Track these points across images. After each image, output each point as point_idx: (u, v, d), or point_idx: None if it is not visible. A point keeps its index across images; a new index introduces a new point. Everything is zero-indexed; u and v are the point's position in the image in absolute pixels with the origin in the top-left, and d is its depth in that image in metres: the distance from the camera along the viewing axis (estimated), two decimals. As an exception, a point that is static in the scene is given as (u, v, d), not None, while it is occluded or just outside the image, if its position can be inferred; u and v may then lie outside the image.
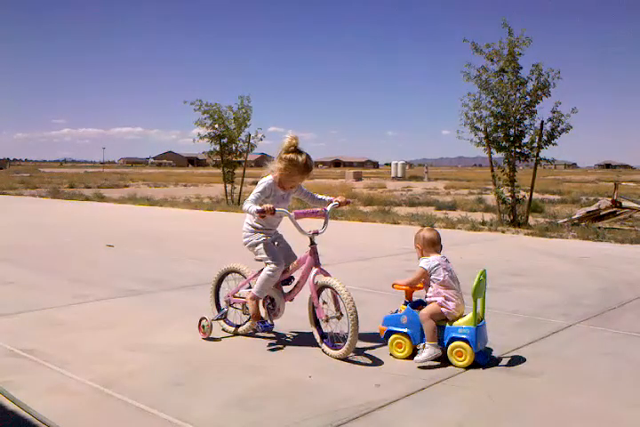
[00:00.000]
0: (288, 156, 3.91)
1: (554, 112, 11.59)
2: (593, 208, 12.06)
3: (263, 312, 4.09)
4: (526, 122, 11.74)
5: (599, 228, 10.82)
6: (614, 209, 11.76)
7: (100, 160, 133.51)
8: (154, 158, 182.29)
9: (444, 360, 3.63)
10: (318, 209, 4.11)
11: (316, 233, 3.94)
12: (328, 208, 4.10)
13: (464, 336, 3.57)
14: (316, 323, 3.88)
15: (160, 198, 18.95)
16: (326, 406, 2.98)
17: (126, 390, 3.17)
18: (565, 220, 11.98)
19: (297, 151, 3.92)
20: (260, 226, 4.05)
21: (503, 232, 10.90)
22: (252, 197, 3.92)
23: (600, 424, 2.86)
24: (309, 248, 3.91)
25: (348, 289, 3.66)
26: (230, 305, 4.27)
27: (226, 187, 17.40)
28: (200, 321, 4.16)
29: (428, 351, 3.60)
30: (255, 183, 4.25)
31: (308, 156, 3.94)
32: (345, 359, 3.67)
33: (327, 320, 3.76)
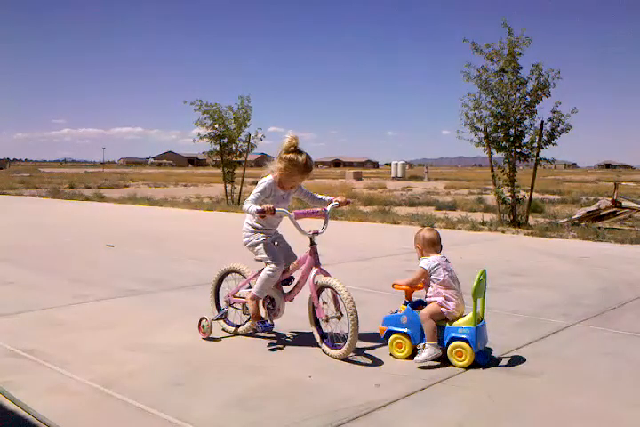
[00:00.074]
0: (288, 156, 3.91)
1: (554, 112, 11.59)
2: (593, 208, 12.06)
3: (263, 312, 4.09)
4: (526, 122, 11.76)
5: (599, 228, 10.82)
6: (614, 209, 11.77)
7: (100, 160, 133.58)
8: (154, 158, 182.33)
9: (444, 360, 3.63)
10: (318, 209, 4.11)
11: (316, 233, 3.94)
12: (328, 208, 4.10)
13: (464, 336, 3.57)
14: (316, 323, 3.88)
15: (160, 198, 18.95)
16: (326, 406, 2.98)
17: (126, 390, 3.17)
18: (565, 220, 11.98)
19: (297, 151, 3.92)
20: (260, 226, 4.05)
21: (503, 232, 10.90)
22: (251, 197, 3.92)
23: (600, 424, 2.86)
24: (309, 248, 3.91)
25: (348, 289, 3.66)
26: (230, 305, 4.27)
27: (226, 187, 17.40)
28: (200, 321, 4.16)
29: (427, 351, 3.60)
30: (255, 183, 4.25)
31: (308, 156, 3.94)
32: (345, 359, 3.67)
33: (327, 320, 3.76)
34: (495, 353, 3.82)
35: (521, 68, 11.65)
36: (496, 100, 11.61)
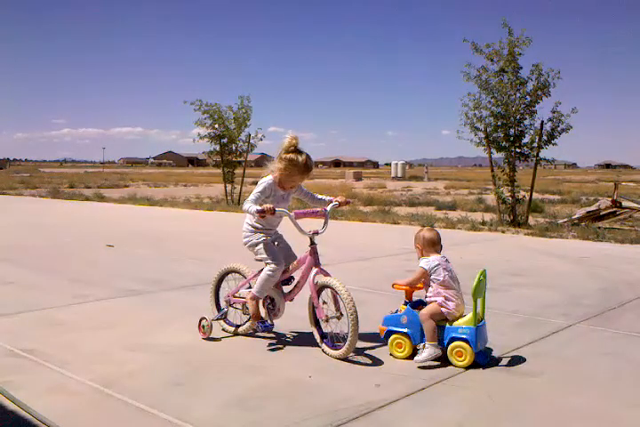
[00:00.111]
0: (288, 156, 3.91)
1: (554, 112, 11.59)
2: (593, 208, 12.06)
3: (263, 312, 4.09)
4: (526, 122, 11.76)
5: (599, 228, 10.82)
6: (614, 209, 11.77)
7: (100, 160, 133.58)
8: (154, 158, 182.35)
9: (444, 360, 3.63)
10: (318, 209, 4.11)
11: (316, 233, 3.94)
12: (328, 208, 4.10)
13: (464, 336, 3.56)
14: (316, 323, 3.88)
15: (160, 198, 18.96)
16: (326, 406, 2.98)
17: (126, 390, 3.17)
18: (565, 220, 11.98)
19: (297, 151, 3.92)
20: (259, 226, 4.05)
21: (503, 232, 10.90)
22: (251, 197, 3.92)
23: (600, 424, 2.86)
24: (309, 248, 3.91)
25: (348, 289, 3.66)
26: (230, 305, 4.27)
27: (226, 187, 17.40)
28: (200, 321, 4.16)
29: (427, 351, 3.60)
30: (255, 183, 4.25)
31: (307, 156, 3.94)
32: (345, 359, 3.67)
33: (327, 320, 3.76)
34: (495, 353, 3.82)
35: (521, 68, 11.65)
36: (496, 100, 11.61)
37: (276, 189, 3.99)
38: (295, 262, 4.04)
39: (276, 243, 4.11)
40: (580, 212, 12.30)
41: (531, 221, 12.07)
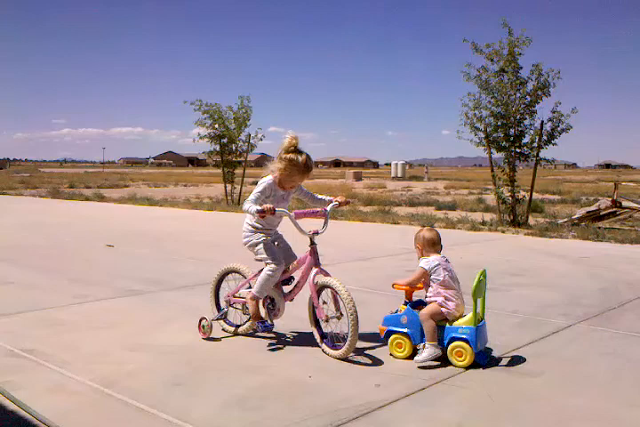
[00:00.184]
0: (288, 156, 3.91)
1: (554, 112, 11.59)
2: (593, 208, 12.06)
3: (263, 312, 4.09)
4: (526, 122, 11.75)
5: (599, 228, 10.82)
6: (614, 209, 11.77)
7: (100, 160, 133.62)
8: (154, 158, 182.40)
9: (443, 360, 3.63)
10: (318, 209, 4.11)
11: (316, 233, 3.94)
12: (328, 208, 4.10)
13: (464, 336, 3.56)
14: (316, 323, 3.88)
15: (160, 198, 18.96)
16: (326, 406, 2.98)
17: (126, 390, 3.17)
18: (565, 220, 11.98)
19: (297, 151, 3.92)
20: (259, 226, 4.05)
21: (503, 232, 10.90)
22: (252, 197, 3.92)
23: (600, 424, 2.86)
24: (309, 248, 3.91)
25: (348, 289, 3.66)
26: (230, 305, 4.26)
27: (226, 187, 17.40)
28: (200, 321, 4.16)
29: (427, 351, 3.60)
30: (255, 183, 4.25)
31: (307, 156, 3.94)
32: (345, 359, 3.67)
33: (327, 320, 3.76)
34: (495, 353, 3.82)
35: (521, 68, 11.65)
36: (496, 100, 11.61)
37: (276, 189, 3.99)
38: (295, 262, 4.04)
39: (275, 243, 4.11)
40: (580, 212, 12.30)
41: (531, 221, 12.07)
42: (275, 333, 4.24)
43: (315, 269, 3.86)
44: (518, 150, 11.83)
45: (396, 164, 50.11)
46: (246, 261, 4.32)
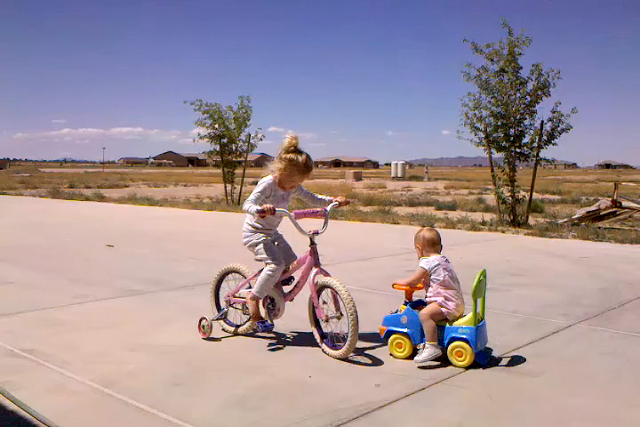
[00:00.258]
0: (288, 156, 3.91)
1: (554, 112, 11.59)
2: (593, 208, 12.06)
3: (263, 312, 4.09)
4: (526, 122, 11.75)
5: (599, 228, 10.82)
6: (614, 209, 11.77)
7: (100, 160, 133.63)
8: (154, 158, 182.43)
9: (443, 360, 3.63)
10: (318, 209, 4.11)
11: (316, 233, 3.94)
12: (328, 208, 4.10)
13: (464, 336, 3.56)
14: (316, 323, 3.88)
15: (160, 198, 18.96)
16: (326, 406, 2.98)
17: (126, 390, 3.17)
18: (565, 220, 11.99)
19: (297, 151, 3.92)
20: (259, 226, 4.05)
21: (503, 232, 10.90)
22: (252, 197, 3.92)
23: (600, 424, 2.86)
24: (309, 248, 3.91)
25: (348, 289, 3.66)
26: (230, 305, 4.27)
27: (226, 187, 17.40)
28: (200, 321, 4.16)
29: (428, 351, 3.60)
30: (255, 183, 4.25)
31: (307, 156, 3.94)
32: (345, 359, 3.67)
33: (327, 320, 3.76)
34: (495, 353, 3.82)
35: (521, 68, 11.65)
36: (496, 100, 11.61)
37: (276, 189, 3.99)
38: (295, 262, 4.04)
39: (275, 243, 4.11)
40: (580, 212, 12.30)
41: (531, 221, 12.07)
42: (275, 333, 4.24)
43: (315, 269, 3.86)
44: (518, 150, 11.83)
45: (396, 164, 50.12)
46: (246, 261, 4.32)
